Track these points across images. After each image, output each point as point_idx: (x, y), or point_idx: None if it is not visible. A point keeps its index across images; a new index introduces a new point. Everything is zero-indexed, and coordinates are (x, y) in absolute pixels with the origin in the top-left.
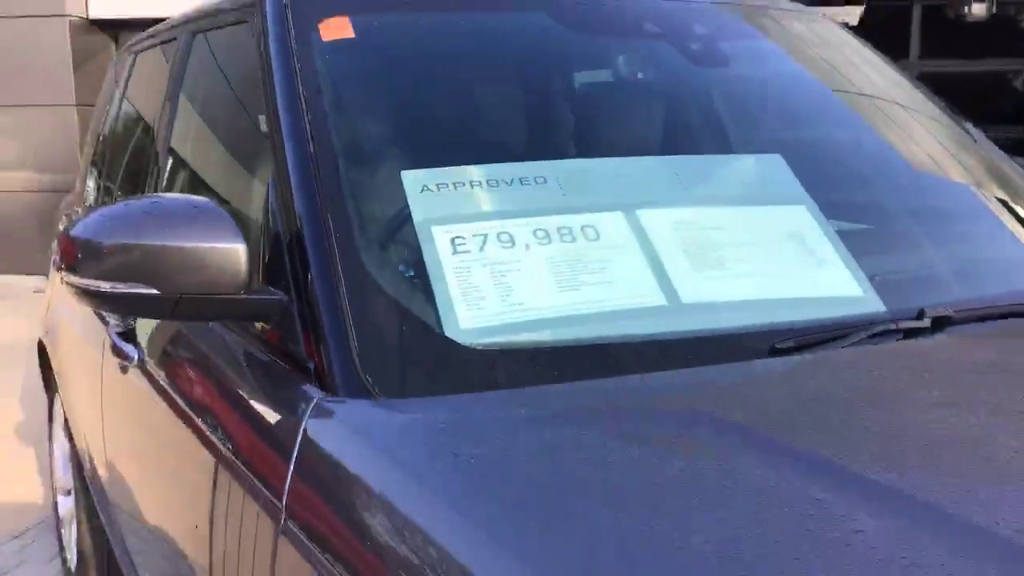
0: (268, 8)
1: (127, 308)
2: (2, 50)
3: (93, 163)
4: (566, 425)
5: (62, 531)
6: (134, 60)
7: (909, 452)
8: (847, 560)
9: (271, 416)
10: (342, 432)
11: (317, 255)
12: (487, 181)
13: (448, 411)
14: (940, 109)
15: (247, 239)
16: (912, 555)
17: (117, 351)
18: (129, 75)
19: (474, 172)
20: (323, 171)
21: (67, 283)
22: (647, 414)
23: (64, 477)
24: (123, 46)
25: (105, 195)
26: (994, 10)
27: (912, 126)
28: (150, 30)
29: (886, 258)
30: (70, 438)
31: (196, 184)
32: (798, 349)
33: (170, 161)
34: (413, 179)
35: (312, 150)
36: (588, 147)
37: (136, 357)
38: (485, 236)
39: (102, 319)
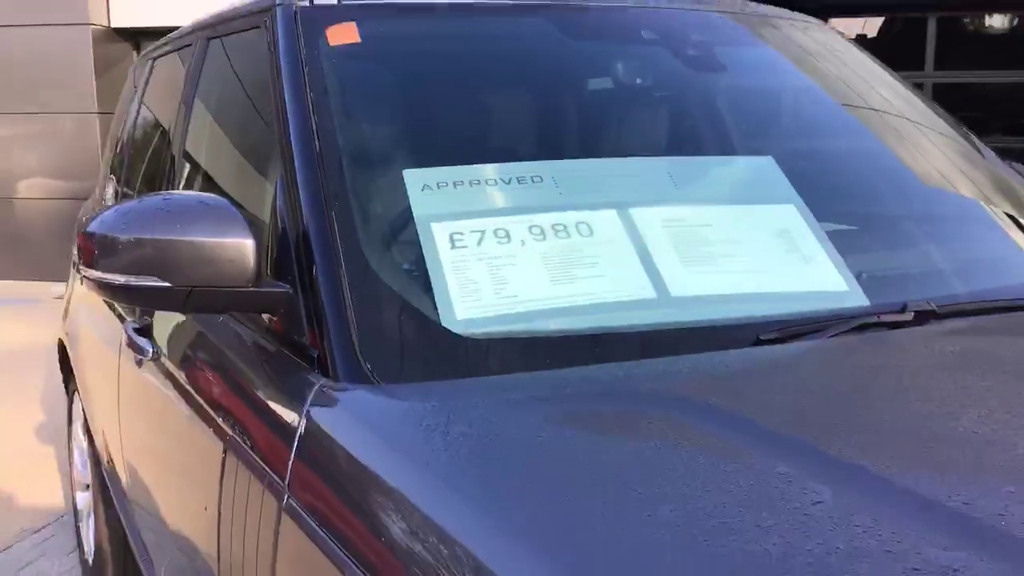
0: (279, 14)
1: (141, 300)
2: (25, 58)
3: (112, 168)
4: (554, 408)
5: (80, 525)
6: (152, 66)
7: (873, 432)
8: (805, 527)
9: (277, 402)
10: (342, 415)
11: (321, 250)
12: (485, 180)
13: (443, 396)
14: (935, 113)
15: (255, 235)
16: (864, 522)
17: (133, 345)
18: (147, 81)
19: (473, 172)
20: (328, 170)
21: (85, 277)
22: (632, 397)
23: (82, 473)
24: (142, 53)
25: (123, 199)
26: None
27: (904, 129)
28: (167, 36)
29: (873, 256)
30: (88, 434)
31: (208, 183)
32: (781, 340)
33: (184, 162)
34: (414, 178)
35: (317, 150)
36: (584, 149)
37: (151, 351)
38: (482, 232)
39: (119, 317)
